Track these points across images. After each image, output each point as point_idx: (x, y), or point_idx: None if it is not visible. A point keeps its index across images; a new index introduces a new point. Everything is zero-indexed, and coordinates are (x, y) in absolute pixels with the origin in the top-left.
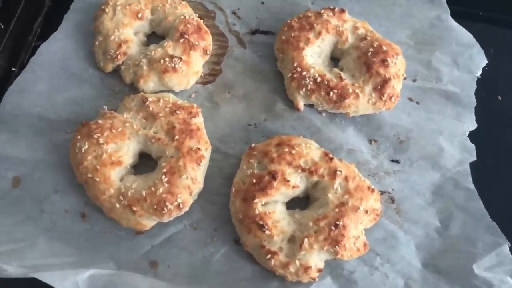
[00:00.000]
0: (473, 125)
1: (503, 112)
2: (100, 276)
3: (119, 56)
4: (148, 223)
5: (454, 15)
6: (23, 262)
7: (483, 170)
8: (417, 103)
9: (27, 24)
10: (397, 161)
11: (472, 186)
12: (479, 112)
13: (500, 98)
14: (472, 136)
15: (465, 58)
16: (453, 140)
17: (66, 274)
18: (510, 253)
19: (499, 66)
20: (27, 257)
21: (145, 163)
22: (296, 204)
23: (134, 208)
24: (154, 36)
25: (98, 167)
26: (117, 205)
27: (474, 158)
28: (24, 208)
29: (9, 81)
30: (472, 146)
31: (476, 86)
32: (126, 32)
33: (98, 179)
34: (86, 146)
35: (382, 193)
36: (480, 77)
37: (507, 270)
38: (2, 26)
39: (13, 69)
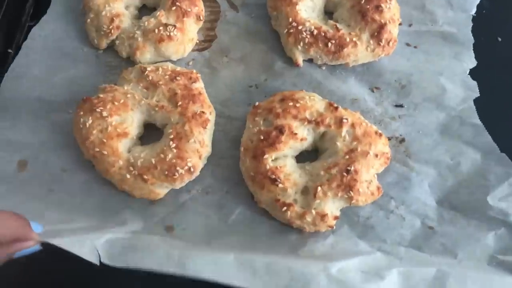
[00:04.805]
0: (472, 63)
1: (503, 53)
2: (118, 240)
3: (112, 31)
4: (161, 191)
5: None
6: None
7: (488, 105)
8: (415, 47)
9: (20, 4)
10: (401, 106)
11: (478, 121)
12: (480, 55)
13: (500, 39)
14: (474, 75)
15: None
16: (454, 79)
17: (83, 239)
18: None
19: (497, 8)
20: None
21: (150, 134)
22: (305, 158)
23: (146, 177)
24: (145, 9)
25: (105, 140)
26: (128, 176)
27: (477, 95)
28: (33, 190)
29: (6, 62)
30: (474, 83)
31: (472, 24)
32: (117, 6)
33: (106, 152)
34: (90, 121)
35: (389, 138)
36: (478, 20)
37: None
38: None
39: (9, 50)
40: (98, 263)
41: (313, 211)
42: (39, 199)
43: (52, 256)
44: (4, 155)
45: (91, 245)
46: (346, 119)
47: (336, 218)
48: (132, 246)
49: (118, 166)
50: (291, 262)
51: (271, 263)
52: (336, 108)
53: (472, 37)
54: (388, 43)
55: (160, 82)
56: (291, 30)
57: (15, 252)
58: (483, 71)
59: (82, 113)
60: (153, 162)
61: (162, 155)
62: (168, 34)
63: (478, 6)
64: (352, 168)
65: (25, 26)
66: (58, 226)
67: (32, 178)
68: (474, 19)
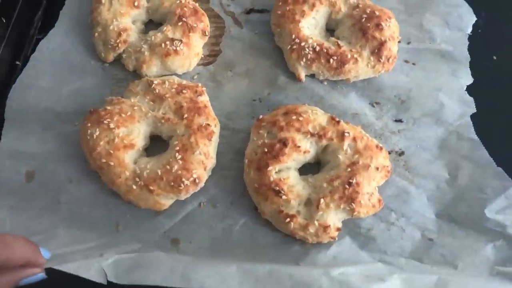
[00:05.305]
0: (469, 79)
1: (498, 71)
2: (124, 260)
3: (119, 45)
4: (166, 202)
5: None
6: None
7: (484, 121)
8: (413, 64)
9: (28, 17)
10: (400, 121)
11: (475, 136)
12: (476, 72)
13: (495, 58)
14: (470, 92)
15: (454, 17)
16: (451, 95)
17: (90, 262)
18: None
19: (491, 28)
20: (48, 247)
21: (155, 145)
22: (308, 170)
23: (151, 188)
24: (152, 24)
25: (112, 152)
26: (134, 187)
27: (474, 110)
28: (40, 201)
29: (14, 74)
30: (471, 99)
31: (468, 43)
32: (125, 21)
33: (112, 163)
34: (98, 132)
35: (389, 152)
36: (474, 39)
37: None
38: (4, 20)
39: (17, 62)
40: (105, 283)
41: (316, 223)
42: (47, 214)
43: None
44: (13, 166)
45: (98, 267)
46: (348, 132)
47: (338, 229)
48: (138, 264)
49: (124, 177)
50: (292, 270)
51: (273, 271)
52: (338, 122)
53: (469, 55)
54: (388, 59)
55: (167, 95)
56: (294, 47)
57: (23, 278)
58: (479, 87)
59: (89, 124)
60: (159, 173)
61: (168, 167)
62: (175, 48)
63: (474, 26)
64: (354, 181)
65: (33, 39)
66: (66, 249)
67: (40, 189)
68: (470, 38)
